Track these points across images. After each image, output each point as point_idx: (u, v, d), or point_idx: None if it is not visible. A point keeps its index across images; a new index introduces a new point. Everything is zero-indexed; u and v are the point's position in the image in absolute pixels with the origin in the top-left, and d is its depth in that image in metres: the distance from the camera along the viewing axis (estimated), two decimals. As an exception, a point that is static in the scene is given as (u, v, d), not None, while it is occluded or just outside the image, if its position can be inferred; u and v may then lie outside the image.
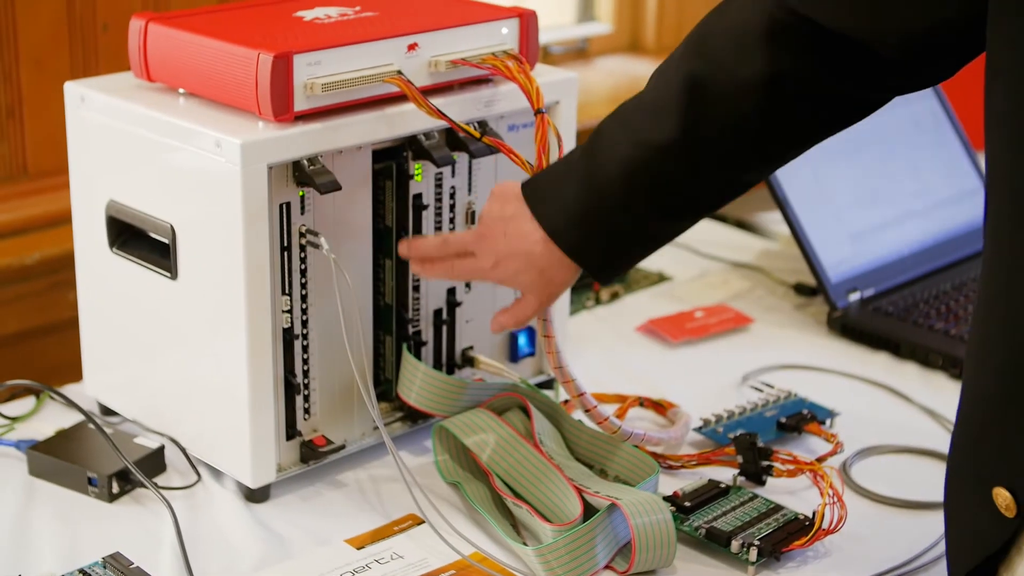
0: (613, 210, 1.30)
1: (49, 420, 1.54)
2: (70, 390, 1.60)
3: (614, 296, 1.92)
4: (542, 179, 1.35)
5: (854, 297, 1.86)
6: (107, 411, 1.56)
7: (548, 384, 1.63)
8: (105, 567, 1.27)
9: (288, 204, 1.36)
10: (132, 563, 1.28)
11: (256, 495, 1.41)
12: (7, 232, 1.85)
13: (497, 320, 1.42)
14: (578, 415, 1.50)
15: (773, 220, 2.16)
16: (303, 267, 1.38)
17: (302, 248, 1.38)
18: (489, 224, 1.36)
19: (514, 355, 1.60)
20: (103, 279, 1.50)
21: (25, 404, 1.58)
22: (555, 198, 1.32)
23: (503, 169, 1.52)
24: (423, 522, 1.37)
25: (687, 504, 1.38)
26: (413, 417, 1.52)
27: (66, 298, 1.83)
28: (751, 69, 1.23)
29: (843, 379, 1.72)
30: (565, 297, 1.61)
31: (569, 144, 1.53)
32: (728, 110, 1.25)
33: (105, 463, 1.42)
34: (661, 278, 2.00)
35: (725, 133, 1.26)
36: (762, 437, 1.49)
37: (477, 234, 1.37)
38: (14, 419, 1.54)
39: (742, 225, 2.21)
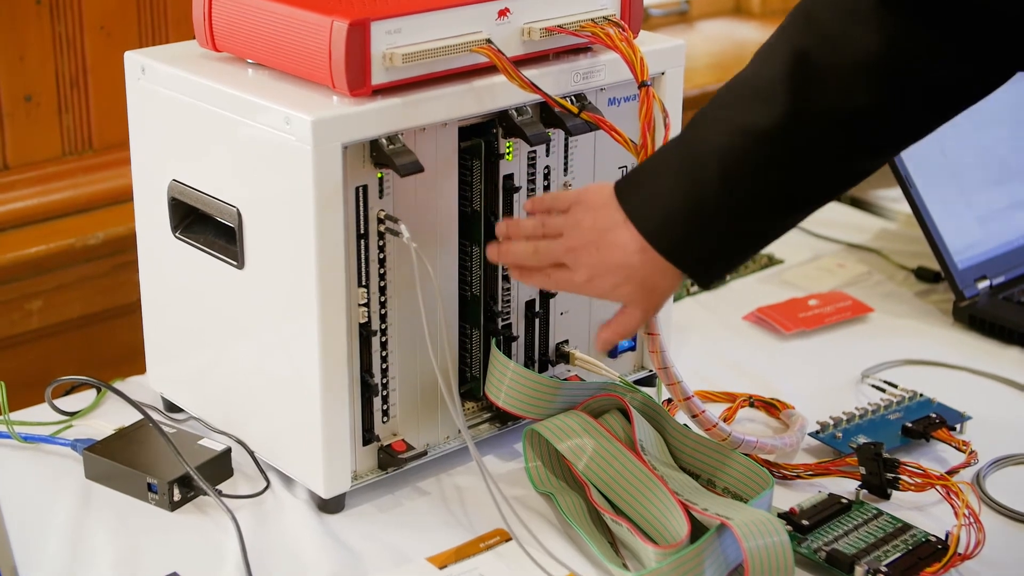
0: (712, 205, 1.17)
1: (110, 416, 1.43)
2: (135, 382, 1.50)
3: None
4: (636, 175, 1.22)
5: (983, 285, 1.72)
6: (172, 407, 1.45)
7: (649, 380, 1.50)
8: (161, 589, 1.16)
9: (365, 187, 1.23)
10: (191, 585, 1.16)
11: (329, 505, 1.29)
12: (71, 210, 1.75)
13: (600, 337, 1.28)
14: (682, 417, 1.36)
15: (891, 198, 2.02)
16: (381, 256, 1.26)
17: (380, 235, 1.25)
18: (579, 236, 1.23)
19: (613, 350, 1.47)
20: (166, 266, 1.39)
21: (86, 397, 1.47)
22: (650, 195, 1.19)
23: (603, 148, 1.39)
24: (512, 539, 1.25)
25: (805, 523, 1.24)
26: (502, 418, 1.39)
27: (133, 280, 1.72)
28: (863, 41, 1.12)
29: (972, 377, 1.57)
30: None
31: (676, 120, 1.40)
32: (839, 88, 1.13)
33: (166, 468, 1.30)
34: (770, 261, 1.86)
35: (835, 115, 1.14)
36: (886, 444, 1.35)
37: (567, 247, 1.24)
38: (72, 415, 1.44)
39: (858, 203, 2.06)
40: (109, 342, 1.74)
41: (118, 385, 1.49)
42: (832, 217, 1.97)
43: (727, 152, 1.15)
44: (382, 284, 1.27)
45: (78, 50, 1.74)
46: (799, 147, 1.15)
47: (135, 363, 1.52)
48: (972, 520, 1.22)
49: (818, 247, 1.91)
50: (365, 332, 1.27)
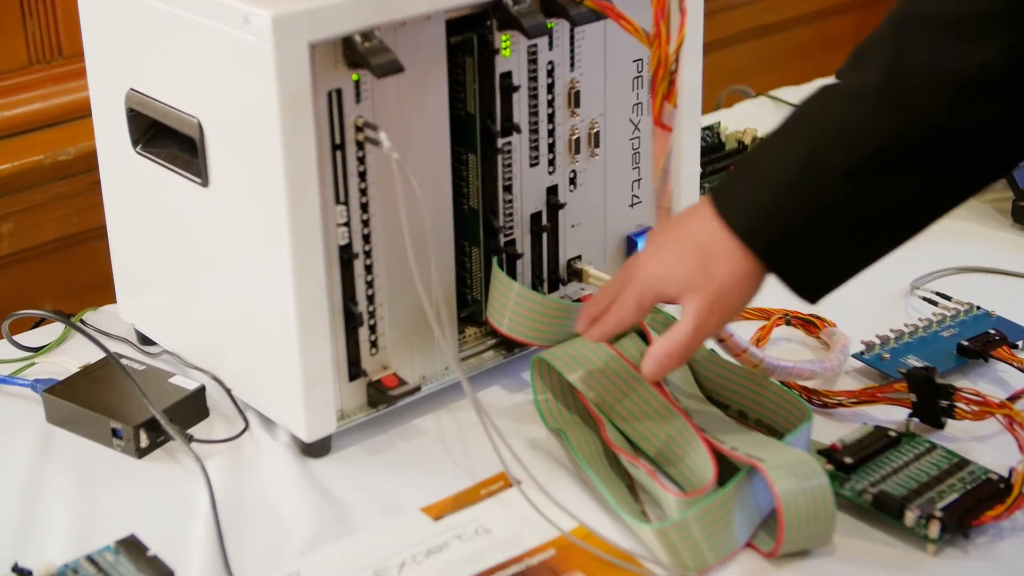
0: (794, 179, 1.00)
1: (79, 351, 1.30)
2: (110, 311, 1.36)
3: (753, 183, 1.63)
4: (736, 167, 1.07)
5: (1045, 181, 1.56)
6: (145, 339, 1.31)
7: (673, 298, 1.35)
8: (117, 553, 1.03)
9: (339, 91, 1.08)
10: (148, 549, 1.02)
11: (314, 449, 1.16)
12: (39, 124, 1.59)
13: (650, 355, 1.08)
14: (709, 341, 1.22)
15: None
16: (361, 169, 1.11)
17: (359, 146, 1.10)
18: (660, 231, 1.11)
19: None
20: (129, 184, 1.25)
21: (55, 330, 1.34)
22: (737, 174, 1.05)
23: (614, 39, 1.23)
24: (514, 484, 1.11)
25: (848, 460, 1.10)
26: (509, 344, 1.25)
27: (111, 198, 1.58)
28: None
29: (1035, 285, 1.43)
30: (693, 188, 1.32)
31: (696, 5, 1.23)
32: (938, 43, 0.97)
33: (132, 411, 1.17)
34: (809, 160, 1.70)
35: (933, 71, 0.97)
36: (940, 366, 1.22)
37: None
38: (37, 350, 1.30)
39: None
40: (89, 265, 1.60)
41: (89, 315, 1.36)
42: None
43: (815, 117, 1.01)
44: (363, 201, 1.12)
45: (37, -55, 1.59)
46: (895, 105, 0.98)
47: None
48: (1039, 454, 1.08)
49: (862, 143, 1.75)
50: (346, 255, 1.12)
